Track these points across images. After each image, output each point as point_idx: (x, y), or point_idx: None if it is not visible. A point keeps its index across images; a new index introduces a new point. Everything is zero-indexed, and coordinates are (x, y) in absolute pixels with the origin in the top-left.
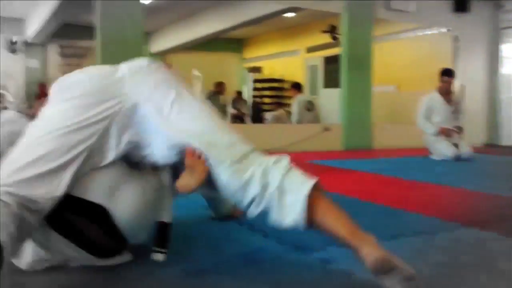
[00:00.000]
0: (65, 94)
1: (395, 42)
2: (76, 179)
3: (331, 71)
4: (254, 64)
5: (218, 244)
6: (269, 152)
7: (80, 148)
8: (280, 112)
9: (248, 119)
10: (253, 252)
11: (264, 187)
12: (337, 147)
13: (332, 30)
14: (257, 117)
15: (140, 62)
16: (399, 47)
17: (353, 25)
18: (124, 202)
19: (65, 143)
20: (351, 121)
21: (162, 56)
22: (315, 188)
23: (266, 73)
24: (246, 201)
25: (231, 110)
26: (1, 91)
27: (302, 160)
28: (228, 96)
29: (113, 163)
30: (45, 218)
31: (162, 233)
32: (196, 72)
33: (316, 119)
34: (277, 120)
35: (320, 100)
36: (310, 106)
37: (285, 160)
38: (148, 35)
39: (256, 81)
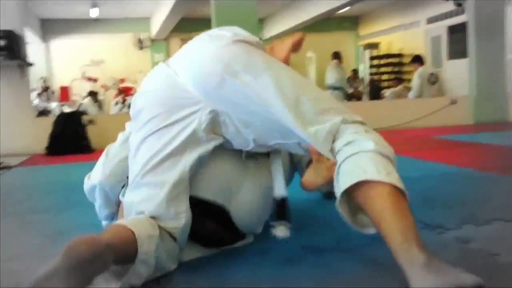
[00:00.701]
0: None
1: None
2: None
3: (456, 41)
4: (370, 41)
5: (338, 222)
6: (389, 130)
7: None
8: (400, 88)
9: (365, 98)
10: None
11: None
12: (466, 121)
13: None
14: (375, 96)
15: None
16: None
17: None
18: (243, 204)
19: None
20: (482, 93)
21: (275, 40)
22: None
23: (384, 49)
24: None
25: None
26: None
27: (427, 136)
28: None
29: (227, 154)
30: None
31: (281, 207)
32: (309, 54)
33: (439, 93)
34: (397, 97)
35: (444, 73)
36: (433, 79)
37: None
38: (261, 22)
39: (372, 58)
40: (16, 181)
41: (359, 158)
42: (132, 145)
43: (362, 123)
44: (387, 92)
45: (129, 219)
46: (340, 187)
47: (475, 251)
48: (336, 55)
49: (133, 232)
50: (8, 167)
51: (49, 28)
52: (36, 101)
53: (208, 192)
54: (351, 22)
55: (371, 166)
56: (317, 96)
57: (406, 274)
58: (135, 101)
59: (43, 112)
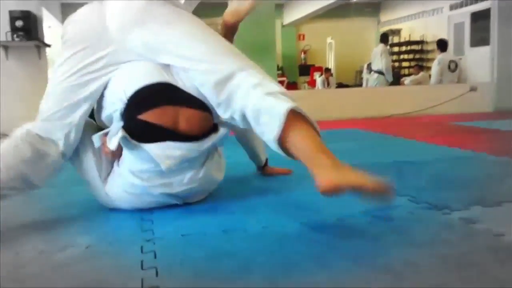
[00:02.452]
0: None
1: None
2: None
3: (479, 28)
4: (391, 28)
5: (343, 199)
6: (406, 116)
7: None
8: (422, 75)
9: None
10: (382, 209)
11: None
12: (486, 109)
13: None
14: (396, 83)
15: None
16: None
17: None
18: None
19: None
20: (503, 80)
21: (295, 26)
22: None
23: (405, 36)
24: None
25: (365, 75)
26: None
27: (444, 122)
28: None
29: None
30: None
31: None
32: (329, 40)
33: (460, 80)
34: (418, 84)
35: (466, 60)
36: (453, 66)
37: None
38: (280, 7)
39: (393, 45)
40: None
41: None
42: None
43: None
44: (406, 80)
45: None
46: (270, 136)
47: (480, 231)
48: (384, 38)
49: None
50: None
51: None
52: None
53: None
54: (373, 8)
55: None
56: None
57: (313, 174)
58: (66, 27)
59: None
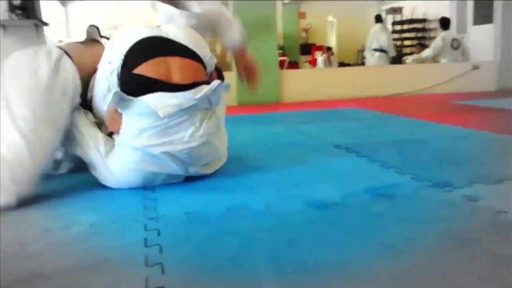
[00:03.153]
0: None
1: None
2: None
3: (482, 6)
4: (393, 6)
5: (345, 177)
6: (408, 95)
7: None
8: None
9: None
10: (385, 187)
11: None
12: (489, 88)
13: None
14: (398, 62)
15: None
16: None
17: None
18: None
19: None
20: (506, 59)
21: (296, 4)
22: None
23: (407, 14)
24: None
25: (367, 54)
26: None
27: (446, 101)
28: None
29: None
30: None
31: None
32: (330, 18)
33: (464, 59)
34: (421, 63)
35: (469, 38)
36: (455, 44)
37: None
38: None
39: (395, 23)
40: None
41: None
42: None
43: None
44: (408, 59)
45: None
46: None
47: (482, 208)
48: (379, 18)
49: None
50: None
51: None
52: None
53: None
54: None
55: None
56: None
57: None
58: None
59: None
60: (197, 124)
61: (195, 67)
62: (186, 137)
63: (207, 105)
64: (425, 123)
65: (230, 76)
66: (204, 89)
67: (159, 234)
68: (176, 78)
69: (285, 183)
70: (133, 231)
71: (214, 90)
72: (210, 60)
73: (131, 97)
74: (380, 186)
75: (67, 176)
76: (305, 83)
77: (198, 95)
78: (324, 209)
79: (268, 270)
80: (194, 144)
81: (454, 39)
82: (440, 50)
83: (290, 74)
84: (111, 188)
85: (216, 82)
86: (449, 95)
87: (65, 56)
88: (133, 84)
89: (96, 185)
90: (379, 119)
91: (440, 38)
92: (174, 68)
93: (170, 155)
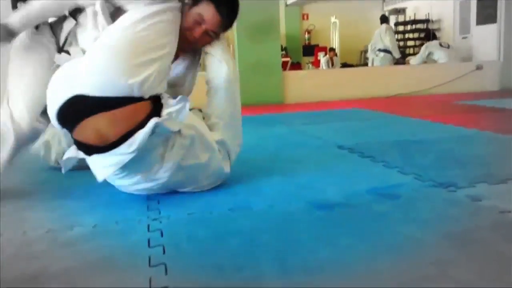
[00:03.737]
0: None
1: None
2: None
3: (486, 6)
4: (396, 6)
5: (348, 178)
6: (412, 96)
7: None
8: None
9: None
10: (388, 187)
11: None
12: (493, 88)
13: None
14: (401, 62)
15: None
16: None
17: None
18: None
19: None
20: (510, 59)
21: (299, 6)
22: None
23: (410, 15)
24: None
25: (370, 55)
26: None
27: (450, 101)
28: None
29: None
30: None
31: None
32: (333, 19)
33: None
34: (423, 63)
35: (472, 39)
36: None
37: None
38: None
39: (398, 24)
40: None
41: None
42: None
43: None
44: (412, 59)
45: None
46: None
47: (485, 208)
48: (385, 19)
49: None
50: None
51: None
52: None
53: None
54: None
55: None
56: None
57: None
58: None
59: None
60: (158, 161)
61: (121, 114)
62: (152, 175)
63: (160, 138)
64: (428, 123)
65: None
66: (138, 138)
67: (162, 235)
68: (106, 137)
69: (288, 183)
70: (137, 232)
71: (154, 131)
72: (149, 83)
73: (84, 157)
74: (383, 186)
75: (70, 177)
76: (308, 84)
77: (133, 147)
78: (328, 209)
79: (272, 270)
80: (163, 180)
81: (441, 43)
82: (424, 59)
83: (293, 75)
84: (114, 189)
85: (150, 124)
86: (453, 95)
87: None
88: (78, 147)
89: (100, 186)
90: (382, 120)
91: (424, 47)
92: (101, 125)
93: (148, 189)
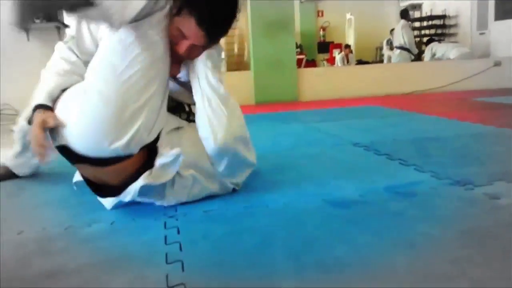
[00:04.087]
0: None
1: None
2: None
3: (504, 1)
4: (412, 2)
5: (364, 175)
6: (429, 93)
7: None
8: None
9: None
10: (405, 185)
11: None
12: (511, 84)
13: None
14: (417, 59)
15: None
16: None
17: None
18: None
19: None
20: None
21: (314, 2)
22: None
23: (426, 11)
24: None
25: (386, 51)
26: None
27: (467, 98)
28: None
29: None
30: None
31: None
32: (348, 16)
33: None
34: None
35: (490, 34)
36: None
37: None
38: None
39: (414, 20)
40: None
41: None
42: None
43: None
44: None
45: None
46: None
47: (503, 206)
48: (405, 14)
49: None
50: None
51: None
52: None
53: None
54: None
55: None
56: None
57: None
58: None
59: None
60: (163, 196)
61: (111, 169)
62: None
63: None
64: (445, 121)
65: (248, 75)
66: (132, 190)
67: (178, 232)
68: (102, 180)
69: (304, 181)
70: (153, 229)
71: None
72: (135, 141)
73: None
74: (400, 184)
75: None
76: (323, 81)
77: (128, 198)
78: (343, 207)
79: (287, 267)
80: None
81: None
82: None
83: (308, 73)
84: None
85: (138, 184)
86: (470, 92)
87: None
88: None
89: None
90: (398, 117)
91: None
92: (92, 173)
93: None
